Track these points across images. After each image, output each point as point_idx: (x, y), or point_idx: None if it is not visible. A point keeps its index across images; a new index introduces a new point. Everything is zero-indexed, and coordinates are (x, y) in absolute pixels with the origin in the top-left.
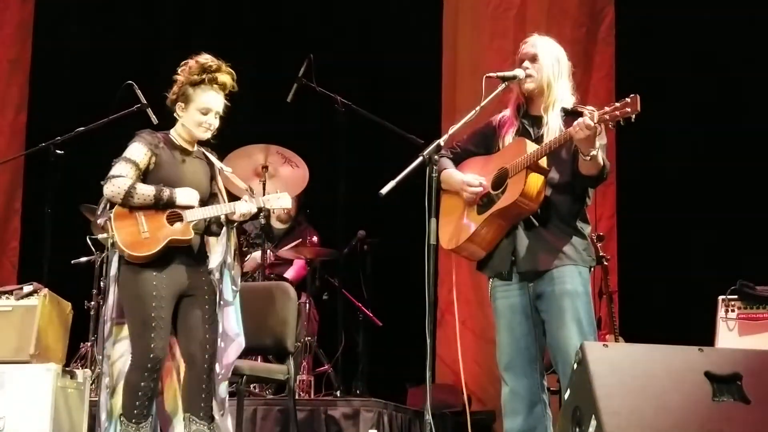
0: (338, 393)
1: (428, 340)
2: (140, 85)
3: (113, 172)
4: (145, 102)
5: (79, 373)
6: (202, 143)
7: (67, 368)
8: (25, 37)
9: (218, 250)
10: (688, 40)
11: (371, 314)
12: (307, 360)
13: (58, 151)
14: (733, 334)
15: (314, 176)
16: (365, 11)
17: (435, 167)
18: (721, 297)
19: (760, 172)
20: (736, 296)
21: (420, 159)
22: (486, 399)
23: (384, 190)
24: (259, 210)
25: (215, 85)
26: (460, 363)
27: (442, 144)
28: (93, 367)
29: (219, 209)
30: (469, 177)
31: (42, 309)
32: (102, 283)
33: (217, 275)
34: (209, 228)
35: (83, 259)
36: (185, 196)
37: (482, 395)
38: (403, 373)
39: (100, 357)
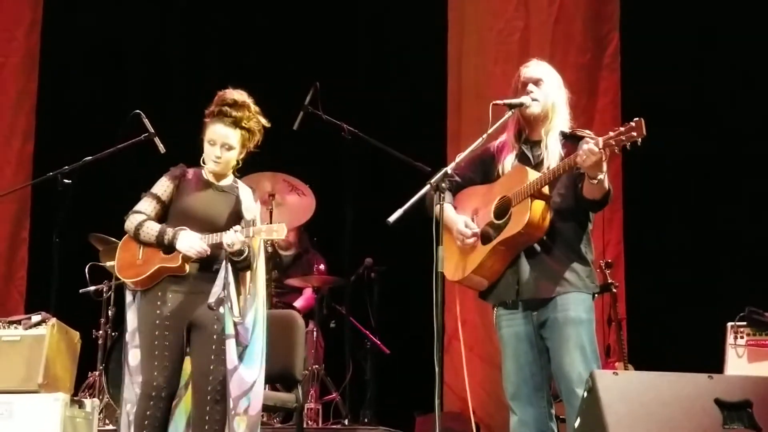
0: (346, 421)
1: (437, 368)
2: (148, 114)
3: (136, 207)
4: (153, 131)
5: (88, 402)
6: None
7: (75, 398)
8: (32, 67)
9: (217, 284)
10: (694, 65)
11: (379, 342)
12: (314, 388)
13: (66, 181)
14: (743, 361)
15: (321, 204)
16: (370, 37)
17: (443, 195)
18: (729, 324)
19: None
20: (744, 323)
21: (427, 187)
22: (494, 426)
23: (392, 218)
24: (268, 243)
25: (225, 118)
26: (467, 390)
27: (449, 172)
28: (101, 397)
29: (207, 239)
30: (462, 225)
31: (50, 338)
32: (110, 312)
33: (220, 310)
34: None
35: (91, 288)
36: (185, 241)
37: (490, 422)
38: (412, 401)
39: (123, 382)
